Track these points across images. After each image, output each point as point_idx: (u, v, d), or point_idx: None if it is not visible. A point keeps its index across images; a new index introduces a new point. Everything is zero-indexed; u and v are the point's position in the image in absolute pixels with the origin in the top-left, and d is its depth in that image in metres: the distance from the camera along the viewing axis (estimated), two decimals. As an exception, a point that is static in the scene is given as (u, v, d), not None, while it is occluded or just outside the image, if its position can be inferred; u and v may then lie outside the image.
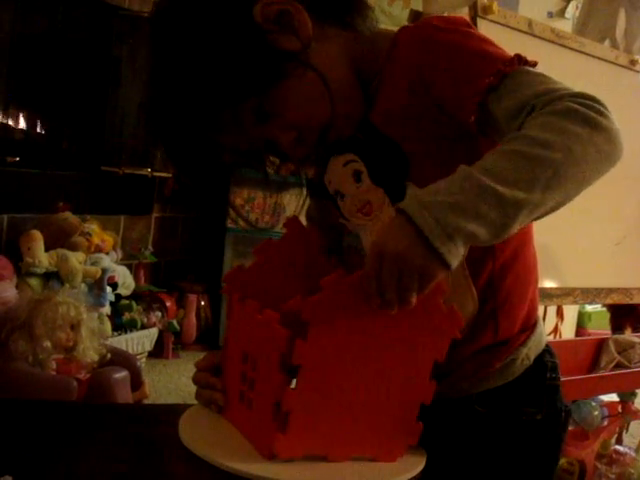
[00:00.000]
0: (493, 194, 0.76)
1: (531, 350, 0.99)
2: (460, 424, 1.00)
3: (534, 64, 0.88)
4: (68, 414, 1.05)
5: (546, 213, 0.80)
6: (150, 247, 3.96)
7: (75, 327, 2.55)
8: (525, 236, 0.99)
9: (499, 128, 0.87)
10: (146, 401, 2.70)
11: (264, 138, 0.95)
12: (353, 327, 0.85)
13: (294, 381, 0.86)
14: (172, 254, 4.19)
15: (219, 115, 0.92)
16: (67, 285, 3.01)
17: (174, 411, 1.00)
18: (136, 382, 2.66)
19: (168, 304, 3.77)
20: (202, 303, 4.05)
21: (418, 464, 0.92)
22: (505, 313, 0.97)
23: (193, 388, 1.04)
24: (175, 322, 3.76)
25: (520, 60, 0.87)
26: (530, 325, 1.01)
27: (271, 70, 0.90)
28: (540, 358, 1.00)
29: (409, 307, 0.80)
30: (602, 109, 0.81)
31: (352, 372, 0.87)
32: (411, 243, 0.76)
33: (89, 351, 2.56)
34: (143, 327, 3.50)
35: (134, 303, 3.51)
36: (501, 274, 0.96)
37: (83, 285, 3.12)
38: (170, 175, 3.98)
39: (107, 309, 3.28)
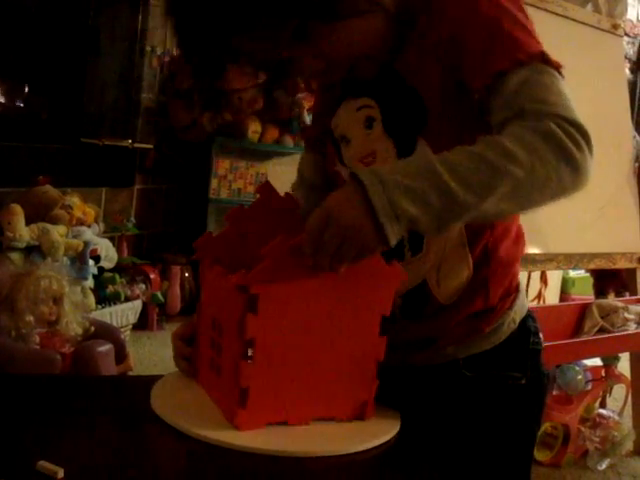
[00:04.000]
0: (446, 189, 0.78)
1: (517, 313, 1.01)
2: (447, 389, 1.00)
3: (558, 66, 0.87)
4: (52, 387, 1.05)
5: (489, 219, 0.84)
6: (132, 219, 3.93)
7: (58, 301, 2.54)
8: None
9: (491, 113, 0.87)
10: (131, 373, 2.70)
11: (289, 55, 0.90)
12: (300, 291, 0.85)
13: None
14: (155, 226, 4.17)
15: (259, 22, 0.84)
16: (49, 259, 2.98)
17: (157, 383, 1.00)
18: (120, 355, 2.65)
19: (152, 276, 3.75)
20: (186, 274, 4.03)
21: (392, 429, 0.93)
22: (495, 280, 0.99)
23: (177, 360, 1.04)
24: (159, 294, 3.74)
25: (543, 58, 0.86)
26: (514, 289, 1.02)
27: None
28: (524, 322, 1.02)
29: (337, 272, 0.81)
30: (581, 141, 0.81)
31: (305, 336, 0.87)
32: (361, 214, 0.78)
33: (72, 325, 2.55)
34: (127, 300, 3.48)
35: (117, 276, 3.49)
36: (495, 244, 0.97)
37: (65, 258, 3.10)
38: (151, 146, 3.94)
39: (90, 282, 3.26)
